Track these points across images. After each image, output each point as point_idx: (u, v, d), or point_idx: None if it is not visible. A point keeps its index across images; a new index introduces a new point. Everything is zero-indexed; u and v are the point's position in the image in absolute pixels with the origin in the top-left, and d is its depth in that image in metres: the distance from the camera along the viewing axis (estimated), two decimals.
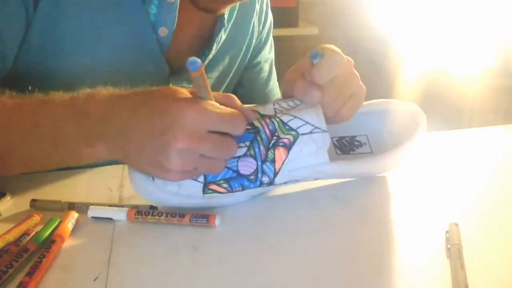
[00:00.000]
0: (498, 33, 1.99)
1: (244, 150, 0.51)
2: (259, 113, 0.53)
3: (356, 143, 0.61)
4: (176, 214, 0.49)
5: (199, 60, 0.44)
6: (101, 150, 0.49)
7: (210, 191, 0.51)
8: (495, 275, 0.43)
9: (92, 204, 0.51)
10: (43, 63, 0.64)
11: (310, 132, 0.52)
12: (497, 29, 1.98)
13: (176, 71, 0.72)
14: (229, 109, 0.48)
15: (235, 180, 0.51)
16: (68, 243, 0.47)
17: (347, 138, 0.62)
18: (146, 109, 0.46)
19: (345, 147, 0.61)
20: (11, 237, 0.46)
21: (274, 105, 0.54)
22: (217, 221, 0.49)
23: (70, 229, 0.48)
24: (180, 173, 0.47)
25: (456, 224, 0.48)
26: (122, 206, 0.52)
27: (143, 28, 0.66)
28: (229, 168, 0.51)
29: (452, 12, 2.05)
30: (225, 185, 0.51)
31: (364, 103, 0.60)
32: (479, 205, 0.55)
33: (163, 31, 0.67)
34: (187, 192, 0.51)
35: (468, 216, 0.52)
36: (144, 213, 0.49)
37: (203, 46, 0.75)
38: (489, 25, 1.99)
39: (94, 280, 0.41)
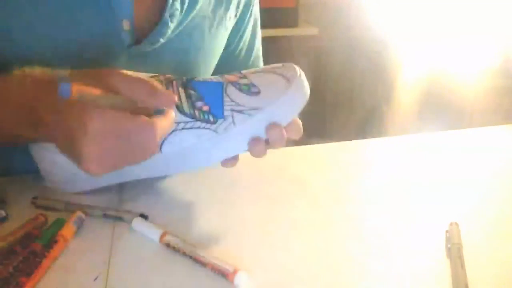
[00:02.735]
0: (498, 33, 1.99)
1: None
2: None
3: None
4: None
5: (67, 85, 0.41)
6: (37, 137, 0.49)
7: None
8: (495, 275, 0.43)
9: (92, 205, 0.52)
10: None
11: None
12: (497, 29, 1.98)
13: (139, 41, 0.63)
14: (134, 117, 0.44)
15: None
16: (68, 243, 0.47)
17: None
18: (58, 110, 0.44)
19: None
20: (17, 238, 0.46)
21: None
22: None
23: (75, 229, 0.48)
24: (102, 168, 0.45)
25: (456, 224, 0.48)
26: (130, 211, 0.52)
27: None
28: None
29: (452, 12, 2.05)
30: None
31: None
32: (479, 205, 0.55)
33: None
34: None
35: (468, 216, 0.52)
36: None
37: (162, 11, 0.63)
38: (489, 25, 1.99)
39: (94, 280, 0.41)
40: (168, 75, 0.54)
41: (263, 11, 0.88)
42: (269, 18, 0.91)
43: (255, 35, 0.83)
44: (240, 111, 0.51)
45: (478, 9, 2.00)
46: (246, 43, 0.81)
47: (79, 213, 0.49)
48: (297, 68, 0.54)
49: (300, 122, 0.55)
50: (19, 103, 0.48)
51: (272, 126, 0.51)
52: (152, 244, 0.47)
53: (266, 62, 0.88)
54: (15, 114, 0.48)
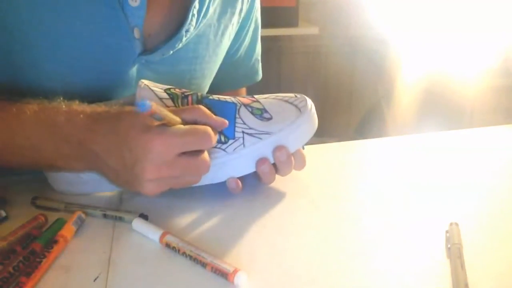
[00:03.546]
0: (498, 33, 1.99)
1: None
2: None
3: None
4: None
5: (147, 102, 0.43)
6: (81, 168, 0.51)
7: None
8: (495, 275, 0.43)
9: (92, 205, 0.52)
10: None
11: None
12: (497, 29, 1.98)
13: (148, 49, 0.64)
14: (195, 130, 0.48)
15: None
16: (68, 243, 0.47)
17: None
18: (116, 137, 0.47)
19: None
20: (17, 238, 0.46)
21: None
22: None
23: (75, 229, 0.48)
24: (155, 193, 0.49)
25: (456, 224, 0.48)
26: (130, 211, 0.52)
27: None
28: None
29: (452, 12, 2.05)
30: None
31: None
32: (479, 205, 0.55)
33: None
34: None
35: (468, 216, 0.52)
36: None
37: (179, 20, 0.64)
38: (489, 25, 1.99)
39: (94, 280, 0.41)
40: (183, 89, 0.55)
41: (263, 10, 0.88)
42: (270, 17, 0.91)
43: (255, 40, 0.84)
44: (251, 134, 0.53)
45: (478, 8, 2.00)
46: (246, 48, 0.82)
47: (79, 213, 0.50)
48: (309, 100, 0.57)
49: (304, 155, 0.58)
50: (67, 136, 0.49)
51: (279, 147, 0.54)
52: (152, 244, 0.47)
53: (266, 61, 0.88)
54: (62, 147, 0.50)
